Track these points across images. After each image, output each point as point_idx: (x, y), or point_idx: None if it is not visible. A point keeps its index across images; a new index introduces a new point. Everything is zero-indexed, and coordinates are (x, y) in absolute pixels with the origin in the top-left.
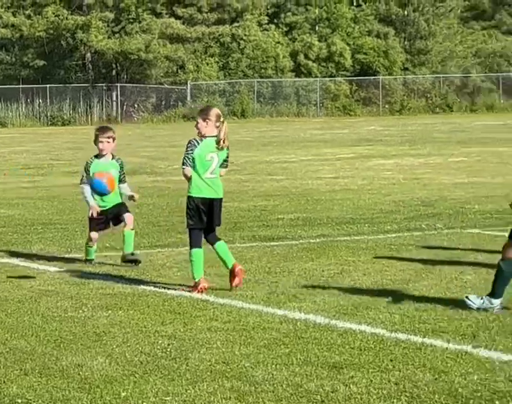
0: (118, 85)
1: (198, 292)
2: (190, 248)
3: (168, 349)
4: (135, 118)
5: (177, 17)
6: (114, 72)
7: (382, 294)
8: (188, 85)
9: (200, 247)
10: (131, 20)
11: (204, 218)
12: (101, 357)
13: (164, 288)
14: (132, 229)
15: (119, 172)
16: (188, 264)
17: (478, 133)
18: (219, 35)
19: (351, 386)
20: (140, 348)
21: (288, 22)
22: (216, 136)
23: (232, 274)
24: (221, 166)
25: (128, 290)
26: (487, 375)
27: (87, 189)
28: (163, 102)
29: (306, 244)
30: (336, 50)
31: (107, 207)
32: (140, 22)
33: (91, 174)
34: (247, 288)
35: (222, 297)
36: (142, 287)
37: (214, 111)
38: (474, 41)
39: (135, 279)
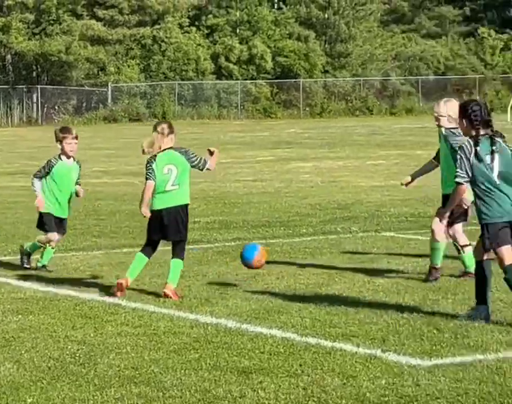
0: (39, 86)
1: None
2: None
3: (77, 355)
4: (56, 120)
5: (98, 19)
6: (34, 74)
7: (294, 298)
8: (109, 87)
9: (145, 255)
10: (52, 21)
11: (158, 231)
12: (9, 362)
13: (77, 292)
14: (53, 248)
15: (78, 174)
16: (101, 268)
17: (397, 136)
18: (140, 37)
19: (259, 391)
20: (49, 354)
21: (210, 24)
22: (170, 148)
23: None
24: (198, 168)
25: (40, 294)
26: (395, 379)
27: (38, 184)
28: (84, 104)
29: (221, 248)
30: (257, 53)
31: (62, 217)
32: (60, 24)
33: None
34: (160, 292)
35: (134, 301)
36: (54, 290)
37: (162, 126)
38: (393, 44)
39: (47, 283)
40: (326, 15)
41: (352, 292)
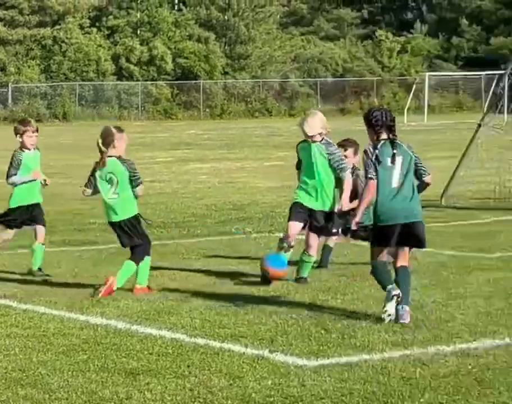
0: None
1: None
2: None
3: None
4: None
5: None
6: None
7: (185, 299)
8: (9, 88)
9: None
10: None
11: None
12: None
13: None
14: (43, 244)
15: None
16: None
17: (295, 138)
18: (41, 38)
19: (146, 392)
20: None
21: (110, 25)
22: (114, 156)
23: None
24: (133, 186)
25: None
26: (281, 379)
27: (16, 177)
28: None
29: (115, 249)
30: (157, 54)
31: (35, 202)
32: None
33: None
34: (52, 293)
35: (25, 302)
36: None
37: (108, 132)
38: (292, 46)
39: None
40: (226, 17)
41: (243, 293)
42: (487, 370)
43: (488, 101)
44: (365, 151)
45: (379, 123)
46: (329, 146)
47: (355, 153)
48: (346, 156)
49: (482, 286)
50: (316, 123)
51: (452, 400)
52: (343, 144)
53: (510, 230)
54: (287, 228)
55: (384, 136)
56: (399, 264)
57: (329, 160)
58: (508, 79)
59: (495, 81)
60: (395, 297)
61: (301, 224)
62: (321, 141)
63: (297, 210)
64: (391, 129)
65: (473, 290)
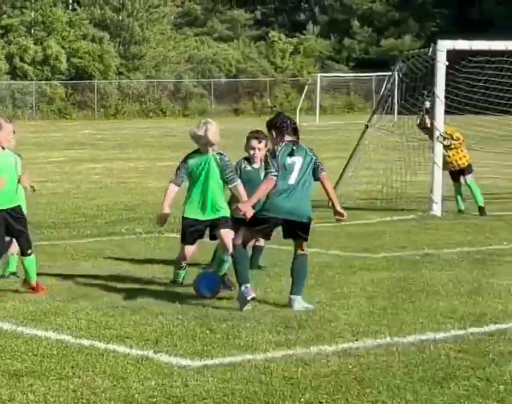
0: None
1: None
2: None
3: None
4: None
5: None
6: None
7: (72, 300)
8: None
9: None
10: None
11: None
12: None
13: None
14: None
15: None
16: None
17: (189, 138)
18: None
19: (29, 394)
20: None
21: (4, 24)
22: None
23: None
24: None
25: None
26: (164, 380)
27: None
28: None
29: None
30: (52, 54)
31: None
32: None
33: None
34: None
35: None
36: None
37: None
38: (186, 47)
39: None
40: (120, 17)
41: (131, 294)
42: (367, 369)
43: (377, 102)
44: (269, 150)
45: (284, 125)
46: (224, 156)
47: (266, 145)
48: (259, 149)
49: (366, 286)
50: (217, 131)
51: (332, 400)
52: (257, 136)
53: (395, 230)
54: (182, 250)
55: (288, 138)
56: (299, 251)
57: (221, 170)
58: (398, 80)
59: (385, 82)
60: (250, 301)
61: (195, 245)
62: (218, 153)
63: (189, 231)
64: (294, 131)
65: (357, 290)
